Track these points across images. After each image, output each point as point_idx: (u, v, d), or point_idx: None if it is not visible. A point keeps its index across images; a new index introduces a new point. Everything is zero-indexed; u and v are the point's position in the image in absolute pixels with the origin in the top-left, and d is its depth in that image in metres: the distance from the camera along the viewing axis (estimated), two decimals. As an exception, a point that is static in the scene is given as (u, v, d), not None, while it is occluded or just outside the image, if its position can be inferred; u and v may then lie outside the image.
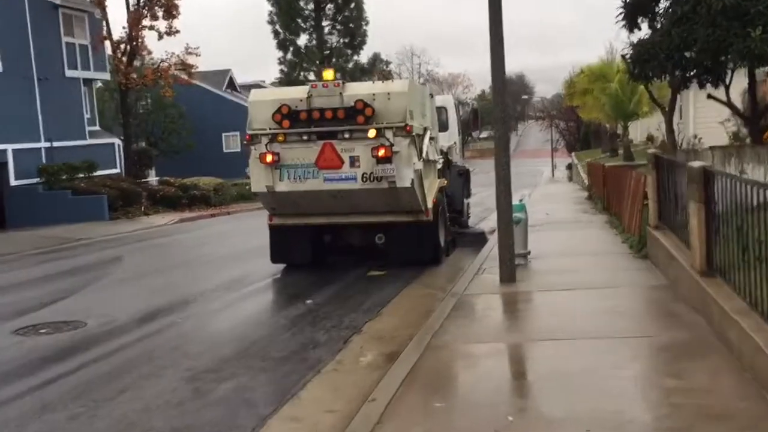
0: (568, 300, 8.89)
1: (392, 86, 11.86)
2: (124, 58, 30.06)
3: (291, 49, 48.26)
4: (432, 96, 14.00)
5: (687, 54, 14.72)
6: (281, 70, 48.21)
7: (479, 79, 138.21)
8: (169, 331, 8.95)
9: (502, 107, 10.10)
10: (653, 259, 10.79)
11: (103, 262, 16.13)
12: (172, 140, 41.70)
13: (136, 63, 33.28)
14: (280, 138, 11.48)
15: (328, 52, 48.56)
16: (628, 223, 13.74)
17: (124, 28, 29.59)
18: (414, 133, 11.48)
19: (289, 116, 11.37)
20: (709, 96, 15.95)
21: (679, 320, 7.31)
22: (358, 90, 11.72)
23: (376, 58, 50.45)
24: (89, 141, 29.92)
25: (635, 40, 15.66)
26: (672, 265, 9.15)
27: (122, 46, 29.78)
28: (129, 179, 29.81)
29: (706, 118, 28.69)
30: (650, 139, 42.10)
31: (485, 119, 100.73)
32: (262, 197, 12.19)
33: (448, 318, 8.28)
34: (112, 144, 31.64)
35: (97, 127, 32.32)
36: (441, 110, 15.19)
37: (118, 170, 31.38)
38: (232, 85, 49.30)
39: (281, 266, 13.62)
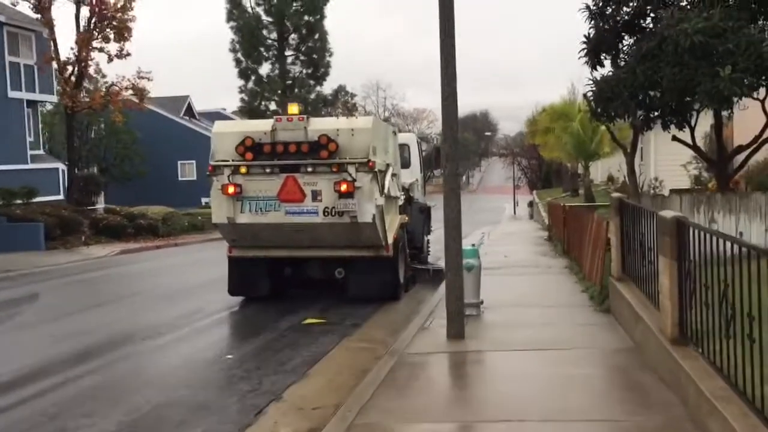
0: (522, 364, 7.74)
1: (356, 122, 11.86)
2: (72, 79, 28.53)
3: (252, 78, 47.10)
4: (395, 133, 13.90)
5: (652, 93, 13.91)
6: (242, 99, 46.94)
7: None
8: (51, 396, 7.49)
9: (452, 142, 9.02)
10: (616, 314, 9.73)
11: (20, 299, 14.59)
12: (125, 167, 40.07)
13: (89, 86, 31.85)
14: (243, 170, 11.41)
15: (290, 82, 47.54)
16: (588, 271, 12.73)
17: (72, 48, 28.14)
18: (376, 169, 11.44)
19: (252, 149, 11.38)
20: (674, 138, 15.15)
21: (647, 398, 6.18)
22: (322, 125, 11.71)
23: (339, 90, 49.59)
24: (30, 165, 28.27)
25: (598, 77, 14.80)
26: (638, 325, 8.08)
27: (69, 67, 28.25)
28: (71, 207, 28.10)
29: (668, 160, 28.20)
30: (611, 179, 41.73)
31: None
32: (223, 228, 12.04)
33: (382, 385, 7.05)
34: (56, 169, 29.99)
35: (41, 151, 30.71)
36: (404, 147, 15.19)
37: (61, 197, 29.69)
38: (190, 112, 47.91)
39: (214, 309, 12.37)
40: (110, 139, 39.99)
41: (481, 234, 30.79)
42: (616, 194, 10.49)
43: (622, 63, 15.38)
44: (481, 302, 10.64)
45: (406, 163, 15.23)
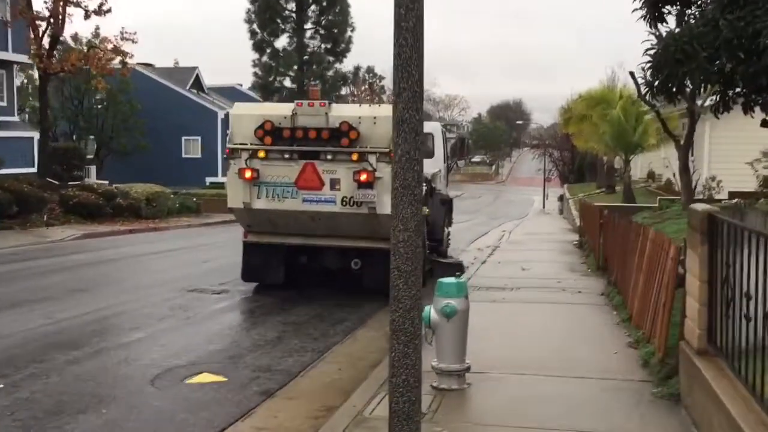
0: None
1: (379, 110, 11.30)
2: (47, 38, 24.72)
3: (268, 51, 43.05)
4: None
5: (741, 54, 9.46)
6: (255, 74, 43.00)
7: (476, 102, 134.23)
8: None
9: (412, 97, 4.77)
10: (694, 412, 5.46)
11: None
12: (122, 140, 36.39)
13: (77, 46, 28.14)
14: (261, 154, 11.03)
15: (307, 57, 43.39)
16: (637, 313, 8.40)
17: (45, 2, 24.31)
18: None
19: (271, 133, 10.97)
20: (766, 123, 10.64)
21: None
22: (344, 111, 11.34)
23: (360, 69, 45.41)
24: (-2, 133, 24.65)
25: (663, 34, 10.33)
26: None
27: (42, 23, 24.44)
28: (40, 181, 24.43)
29: (725, 155, 23.45)
30: (651, 176, 36.83)
31: (479, 143, 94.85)
32: (238, 213, 11.61)
33: None
34: (30, 138, 26.34)
35: (15, 118, 27.05)
36: (427, 136, 14.76)
37: (34, 169, 26.09)
38: (198, 85, 43.87)
39: (95, 342, 8.37)
40: (109, 109, 36.31)
41: (501, 232, 26.43)
42: (700, 206, 6.12)
43: (692, 20, 10.86)
44: (467, 368, 6.43)
45: (429, 153, 14.65)
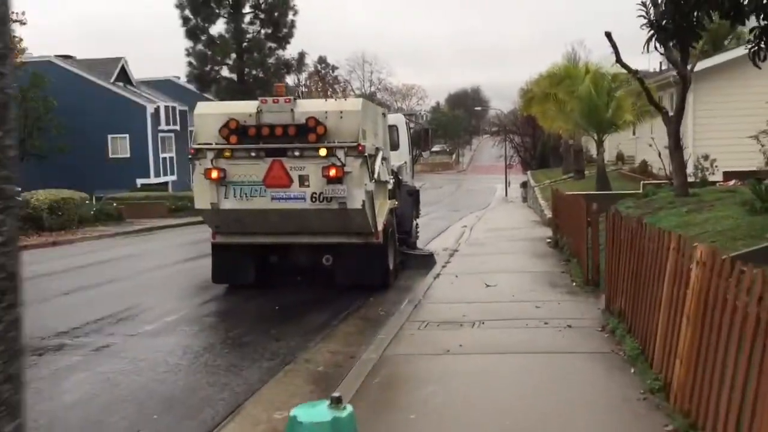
0: None
1: (345, 104, 11.11)
2: None
3: (203, 38, 38.81)
4: (385, 115, 13.11)
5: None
6: (189, 63, 38.75)
7: (434, 91, 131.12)
8: None
9: None
10: None
11: None
12: (36, 141, 31.94)
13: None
14: (227, 154, 10.69)
15: (246, 43, 39.27)
16: (681, 387, 4.80)
17: None
18: (366, 153, 10.54)
19: (236, 131, 10.61)
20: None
21: None
22: (309, 107, 10.99)
23: (304, 54, 41.42)
24: None
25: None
26: None
27: None
28: None
29: (713, 129, 20.19)
30: (621, 158, 33.74)
31: (438, 132, 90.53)
32: (206, 215, 11.19)
33: None
34: None
35: None
36: (392, 129, 14.48)
37: None
38: (125, 77, 39.32)
39: None
40: (20, 107, 31.78)
41: (462, 228, 22.88)
42: None
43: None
44: None
45: (395, 145, 14.39)
